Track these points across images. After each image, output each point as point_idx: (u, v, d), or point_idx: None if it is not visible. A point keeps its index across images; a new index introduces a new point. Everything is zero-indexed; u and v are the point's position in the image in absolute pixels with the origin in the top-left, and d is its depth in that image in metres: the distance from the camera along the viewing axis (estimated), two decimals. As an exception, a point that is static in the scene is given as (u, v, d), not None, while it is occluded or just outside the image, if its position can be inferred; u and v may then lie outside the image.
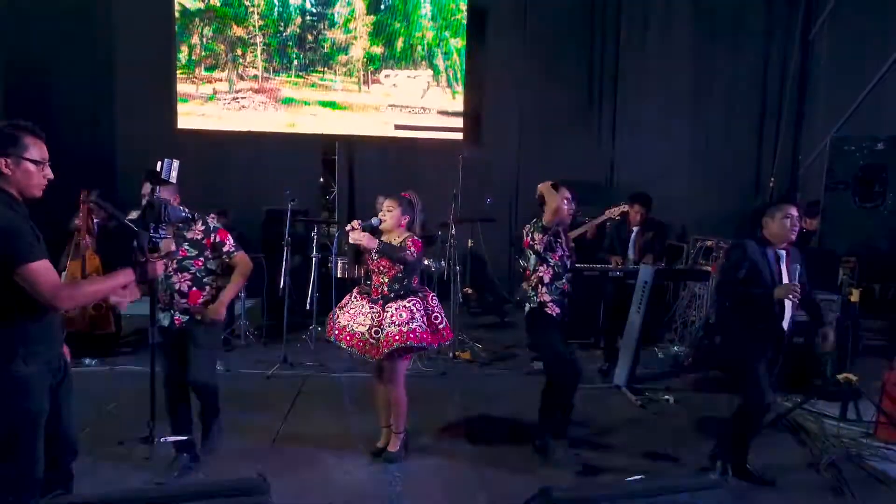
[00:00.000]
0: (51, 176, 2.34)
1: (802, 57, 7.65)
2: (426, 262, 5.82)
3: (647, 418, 4.35)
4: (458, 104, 7.61)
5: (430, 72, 7.53)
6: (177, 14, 7.16)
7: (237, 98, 7.36)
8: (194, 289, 3.24)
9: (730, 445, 3.36)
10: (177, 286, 3.22)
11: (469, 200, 6.74)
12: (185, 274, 3.23)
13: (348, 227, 3.32)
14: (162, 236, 2.47)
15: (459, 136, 7.73)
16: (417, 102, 7.56)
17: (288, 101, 7.40)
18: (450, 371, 5.17)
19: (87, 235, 5.10)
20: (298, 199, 6.14)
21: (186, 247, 3.23)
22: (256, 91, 7.37)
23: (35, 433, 2.31)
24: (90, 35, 7.38)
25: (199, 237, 3.24)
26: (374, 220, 3.42)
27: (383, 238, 3.42)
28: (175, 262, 3.20)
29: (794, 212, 3.31)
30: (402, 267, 3.39)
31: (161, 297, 3.18)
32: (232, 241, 3.35)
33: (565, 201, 3.57)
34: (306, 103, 7.42)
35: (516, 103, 7.92)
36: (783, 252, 3.34)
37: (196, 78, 7.31)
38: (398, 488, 3.22)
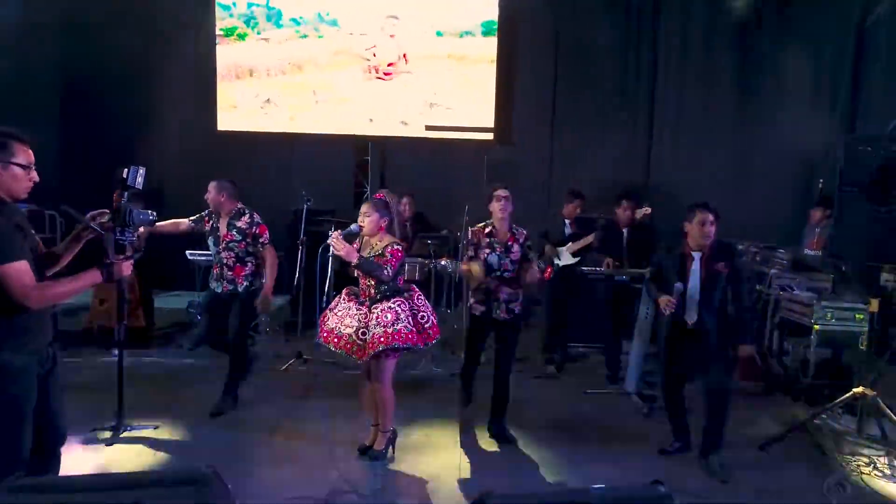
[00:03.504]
0: (36, 179, 2.51)
1: (857, 47, 7.18)
2: (443, 263, 5.87)
3: (647, 426, 4.24)
4: (490, 105, 7.59)
5: (461, 72, 7.54)
6: (217, 20, 7.46)
7: (272, 100, 7.60)
8: (237, 265, 4.21)
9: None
10: (225, 261, 4.20)
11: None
12: (230, 253, 4.20)
13: (330, 240, 3.42)
14: (127, 239, 2.62)
15: (490, 136, 7.72)
16: (448, 103, 7.59)
17: (322, 102, 7.57)
18: (457, 372, 5.17)
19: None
20: (332, 199, 6.31)
21: (234, 233, 4.20)
22: (290, 93, 7.58)
23: (21, 418, 2.49)
24: (137, 43, 7.79)
25: (244, 227, 4.20)
26: (353, 227, 3.49)
27: (366, 242, 3.51)
28: (224, 242, 4.19)
29: (709, 216, 3.47)
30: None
31: (215, 270, 4.26)
32: (267, 236, 4.26)
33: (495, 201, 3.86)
34: (339, 104, 7.57)
35: (549, 104, 7.85)
36: (697, 255, 3.53)
37: (234, 80, 7.59)
38: (378, 485, 3.29)
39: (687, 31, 7.60)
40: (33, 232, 2.59)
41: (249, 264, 4.23)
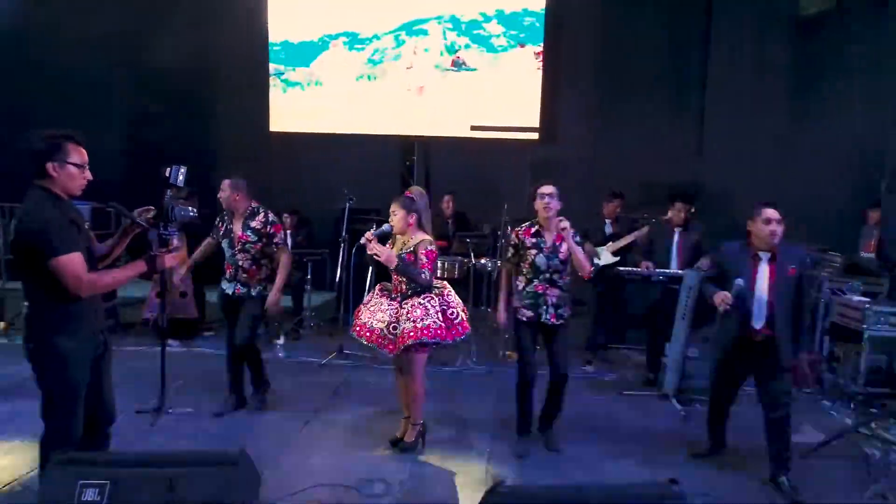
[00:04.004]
0: (90, 177, 2.71)
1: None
2: (482, 261, 5.93)
3: (684, 429, 4.18)
4: (535, 104, 7.58)
5: (507, 71, 7.55)
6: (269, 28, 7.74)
7: (323, 101, 7.81)
8: (253, 266, 4.08)
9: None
10: (240, 263, 4.06)
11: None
12: (246, 254, 4.07)
13: (363, 240, 3.54)
14: (170, 233, 2.79)
15: (535, 135, 7.71)
16: (494, 103, 7.62)
17: (371, 103, 7.73)
18: (496, 370, 5.23)
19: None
20: (378, 198, 6.44)
21: (249, 233, 4.05)
22: (341, 94, 7.77)
23: (74, 399, 2.69)
24: (196, 49, 8.15)
25: (259, 227, 4.07)
26: (385, 227, 3.60)
27: (398, 239, 3.61)
28: (240, 244, 4.04)
29: (774, 215, 3.27)
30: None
31: (228, 270, 4.11)
32: (282, 236, 4.16)
33: (539, 198, 3.70)
34: (387, 105, 7.71)
35: (594, 102, 7.78)
36: (764, 256, 3.33)
37: (287, 82, 7.84)
38: (404, 475, 3.37)
39: (739, 26, 7.39)
40: (87, 227, 2.80)
41: (265, 267, 4.11)
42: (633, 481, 2.89)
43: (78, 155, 2.67)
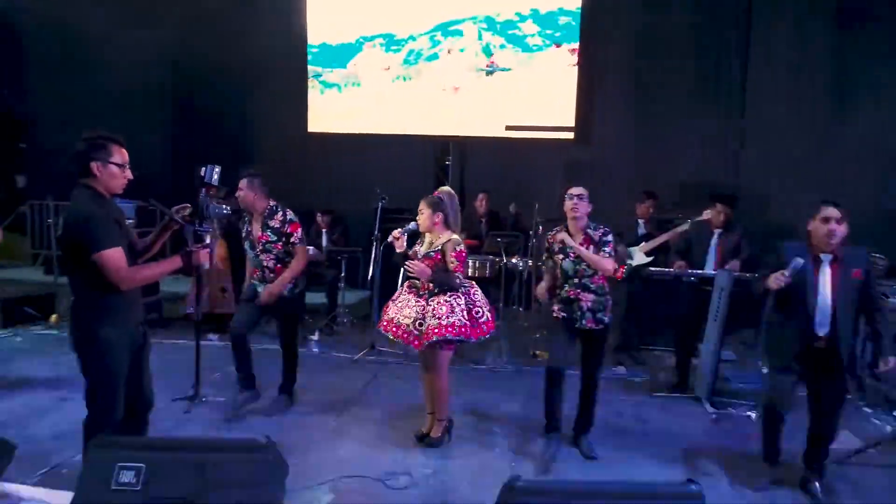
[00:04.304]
0: (130, 177, 2.85)
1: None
2: (514, 261, 5.95)
3: (714, 432, 4.13)
4: (570, 104, 7.55)
5: (542, 72, 7.55)
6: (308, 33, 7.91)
7: (360, 101, 7.94)
8: (278, 265, 4.03)
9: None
10: (265, 263, 4.05)
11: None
12: (269, 255, 4.04)
13: (390, 238, 3.61)
14: (205, 230, 2.91)
15: (570, 135, 7.68)
16: (528, 103, 7.62)
17: (406, 104, 7.83)
18: (525, 369, 5.25)
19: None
20: (413, 198, 6.49)
21: (269, 233, 4.00)
22: (377, 95, 7.89)
23: (114, 385, 2.83)
24: (237, 55, 8.42)
25: (277, 226, 4.01)
26: (411, 225, 3.67)
27: (426, 238, 3.67)
28: (261, 244, 4.02)
29: (834, 214, 3.09)
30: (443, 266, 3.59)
31: (255, 272, 4.11)
32: (299, 234, 4.05)
33: (568, 199, 3.65)
34: (423, 106, 7.79)
35: (631, 103, 7.71)
36: (826, 258, 3.14)
37: (325, 83, 8.01)
38: (429, 469, 3.43)
39: (780, 21, 7.21)
40: (128, 224, 2.95)
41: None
42: (651, 480, 2.87)
43: (119, 155, 2.81)
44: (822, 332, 3.13)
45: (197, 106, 8.62)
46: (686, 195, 7.03)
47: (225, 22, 8.34)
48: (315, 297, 6.61)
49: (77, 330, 2.75)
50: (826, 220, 3.10)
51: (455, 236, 3.66)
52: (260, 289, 4.08)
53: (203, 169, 3.00)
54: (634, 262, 5.43)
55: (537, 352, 5.52)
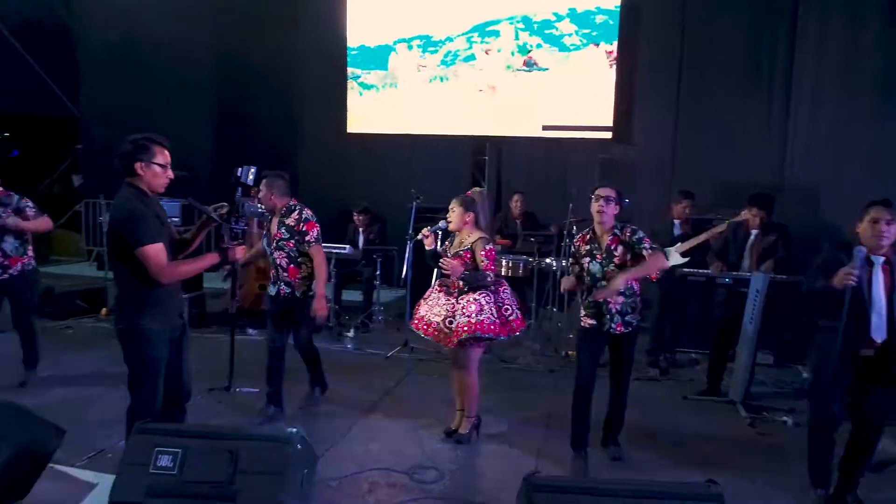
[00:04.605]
0: (171, 176, 2.99)
1: None
2: (547, 261, 5.95)
3: (747, 436, 4.06)
4: (608, 103, 7.48)
5: (579, 71, 7.51)
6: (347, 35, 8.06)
7: (398, 102, 8.06)
8: (291, 265, 3.97)
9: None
10: (278, 261, 3.98)
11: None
12: (282, 252, 3.97)
13: (420, 236, 3.68)
14: (240, 228, 3.03)
15: (608, 135, 7.61)
16: (565, 102, 7.60)
17: (443, 104, 7.90)
18: (560, 369, 5.25)
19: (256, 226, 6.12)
20: (449, 197, 6.55)
21: (283, 231, 3.96)
22: (415, 95, 7.99)
23: (155, 374, 2.98)
24: (280, 58, 8.65)
25: (291, 224, 3.96)
26: (441, 224, 3.73)
27: (456, 237, 3.73)
28: (275, 242, 3.97)
29: (884, 215, 2.95)
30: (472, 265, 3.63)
31: (271, 272, 4.05)
32: (315, 234, 3.97)
33: (594, 200, 3.56)
34: (460, 106, 7.85)
35: (672, 100, 7.58)
36: (878, 260, 2.99)
37: (363, 85, 8.15)
38: (455, 465, 3.49)
39: (828, 17, 6.98)
40: (169, 221, 3.10)
41: (303, 266, 3.97)
42: (673, 481, 2.86)
43: (162, 156, 2.95)
44: (878, 337, 2.98)
45: (241, 108, 8.88)
46: (727, 194, 6.88)
47: (268, 27, 8.58)
48: (351, 295, 6.76)
49: (120, 321, 2.90)
50: (875, 221, 2.98)
51: (484, 235, 3.70)
52: (273, 291, 4.04)
53: (239, 169, 3.12)
54: (669, 263, 5.35)
55: (569, 352, 5.51)
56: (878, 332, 2.98)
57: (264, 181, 3.97)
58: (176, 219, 6.56)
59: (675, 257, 5.37)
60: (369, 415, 4.21)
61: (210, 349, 5.02)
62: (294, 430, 2.63)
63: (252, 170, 3.13)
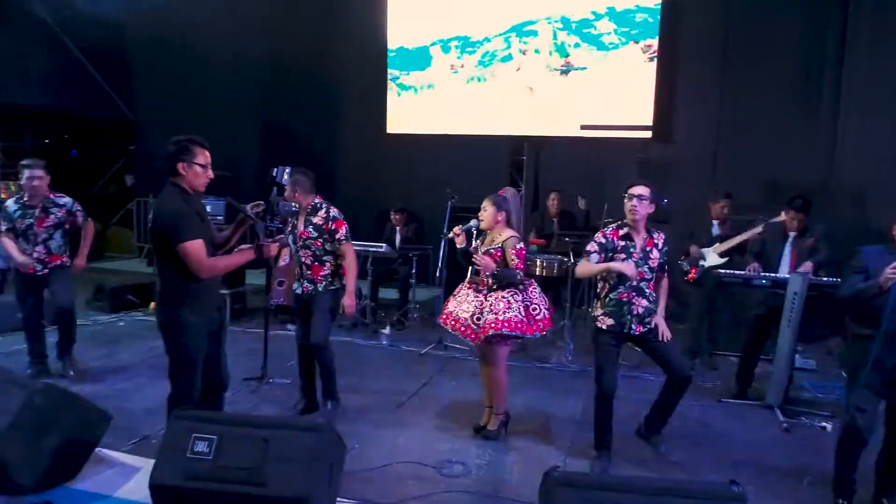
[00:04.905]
0: (212, 176, 3.12)
1: None
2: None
3: (782, 441, 3.98)
4: (648, 102, 7.39)
5: (618, 70, 7.44)
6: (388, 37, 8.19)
7: (436, 103, 8.14)
8: (316, 264, 3.97)
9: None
10: (303, 260, 3.99)
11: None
12: (308, 251, 3.96)
13: (451, 234, 3.74)
14: (274, 225, 3.15)
15: (648, 134, 7.52)
16: (604, 102, 7.54)
17: (481, 105, 7.94)
18: (589, 369, 5.13)
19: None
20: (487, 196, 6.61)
21: (310, 229, 3.95)
22: (452, 96, 8.05)
23: (194, 366, 3.12)
24: (322, 62, 8.85)
25: (320, 223, 3.94)
26: (472, 223, 3.78)
27: (487, 235, 3.78)
28: (301, 240, 3.96)
29: None
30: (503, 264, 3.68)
31: (296, 270, 4.06)
32: (345, 231, 3.97)
33: (627, 199, 3.51)
34: (498, 106, 7.88)
35: (715, 98, 7.44)
36: None
37: (402, 86, 8.26)
38: (483, 460, 3.54)
39: (881, 21, 6.74)
40: (209, 219, 3.24)
41: (328, 264, 3.96)
42: (694, 480, 2.84)
43: (202, 156, 3.09)
44: None
45: (285, 110, 9.13)
46: (771, 195, 6.72)
47: (313, 32, 8.81)
48: (388, 293, 6.88)
49: (162, 314, 3.06)
50: None
51: (514, 234, 3.74)
52: (298, 290, 4.05)
53: (275, 170, 3.24)
54: (707, 263, 5.28)
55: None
56: None
57: (289, 178, 3.78)
58: (220, 217, 6.81)
59: (712, 257, 5.30)
60: (400, 410, 4.29)
61: (250, 344, 5.20)
62: (324, 420, 2.74)
63: (287, 170, 3.25)
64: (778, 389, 4.42)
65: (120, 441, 3.53)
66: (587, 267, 3.58)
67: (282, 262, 4.98)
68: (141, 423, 3.82)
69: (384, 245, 6.31)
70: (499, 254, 3.70)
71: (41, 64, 9.05)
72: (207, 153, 3.12)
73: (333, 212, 3.97)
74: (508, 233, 3.74)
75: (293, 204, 3.34)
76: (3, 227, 4.61)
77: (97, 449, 3.29)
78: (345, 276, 4.00)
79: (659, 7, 7.11)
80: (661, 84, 7.38)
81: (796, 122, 7.20)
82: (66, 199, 4.75)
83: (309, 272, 3.98)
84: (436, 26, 7.98)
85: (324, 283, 3.97)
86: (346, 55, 8.70)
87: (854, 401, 3.04)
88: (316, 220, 3.94)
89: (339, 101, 8.96)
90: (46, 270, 4.68)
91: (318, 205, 3.98)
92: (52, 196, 4.69)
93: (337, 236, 3.93)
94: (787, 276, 4.31)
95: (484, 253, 3.74)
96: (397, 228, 6.89)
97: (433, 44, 8.02)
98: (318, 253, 3.95)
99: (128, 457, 3.37)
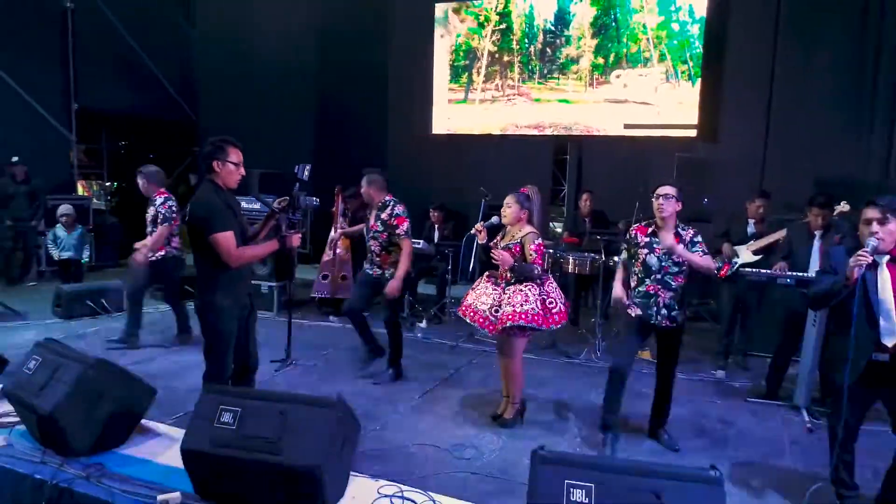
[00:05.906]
0: (243, 174, 3.41)
1: None
2: (615, 259, 5.95)
3: (804, 441, 3.95)
4: (693, 101, 7.32)
5: (663, 68, 7.41)
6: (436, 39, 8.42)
7: (480, 103, 8.31)
8: (383, 253, 4.59)
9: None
10: (373, 248, 4.62)
11: (686, 200, 6.55)
12: (376, 241, 4.59)
13: (473, 230, 3.91)
14: (297, 218, 3.40)
15: (693, 132, 7.44)
16: (648, 100, 7.52)
17: (525, 105, 8.07)
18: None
19: (340, 218, 6.59)
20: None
21: (378, 223, 4.52)
22: (498, 97, 8.21)
23: (226, 347, 3.41)
24: (371, 66, 9.18)
25: (385, 218, 4.51)
26: (494, 219, 3.93)
27: (507, 231, 3.92)
28: (371, 232, 4.60)
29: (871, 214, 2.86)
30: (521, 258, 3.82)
31: (368, 255, 4.71)
32: (404, 228, 4.51)
33: (654, 199, 3.64)
34: (543, 105, 7.98)
35: (764, 99, 7.28)
36: (882, 258, 2.87)
37: (450, 87, 8.48)
38: (495, 446, 3.68)
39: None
40: (241, 213, 3.51)
41: (393, 254, 4.56)
42: (675, 463, 2.89)
43: (235, 155, 3.37)
44: (889, 340, 2.84)
45: (338, 112, 9.53)
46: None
47: (364, 38, 9.20)
48: (426, 288, 7.10)
49: (198, 298, 3.36)
50: (867, 222, 2.90)
51: (534, 230, 3.87)
52: (370, 271, 4.68)
53: (297, 167, 3.49)
54: (740, 261, 5.24)
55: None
56: (889, 336, 2.84)
57: (364, 178, 4.56)
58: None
59: (745, 255, 5.25)
60: (426, 396, 4.49)
61: (294, 333, 5.50)
62: (337, 397, 2.95)
63: (307, 167, 3.50)
64: (805, 390, 4.36)
65: (164, 415, 3.86)
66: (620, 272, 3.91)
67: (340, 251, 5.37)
68: (184, 399, 4.13)
69: (422, 242, 6.53)
70: (518, 249, 3.85)
71: (115, 69, 9.77)
72: (240, 152, 3.40)
73: (398, 209, 4.51)
74: (528, 229, 3.88)
75: (314, 199, 3.59)
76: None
77: (143, 420, 3.63)
78: (404, 265, 4.52)
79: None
80: (707, 83, 7.30)
81: (850, 119, 6.96)
82: (157, 200, 5.38)
83: (377, 259, 4.61)
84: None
85: (391, 269, 4.54)
86: (396, 59, 9.01)
87: (834, 405, 3.05)
88: (383, 215, 4.51)
89: (388, 103, 9.28)
90: (155, 258, 5.33)
91: (388, 202, 4.54)
92: (155, 196, 5.38)
93: (397, 231, 4.49)
94: (811, 274, 4.24)
95: (503, 248, 3.88)
96: (436, 226, 7.09)
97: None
98: (383, 244, 4.55)
99: (170, 428, 3.69)
